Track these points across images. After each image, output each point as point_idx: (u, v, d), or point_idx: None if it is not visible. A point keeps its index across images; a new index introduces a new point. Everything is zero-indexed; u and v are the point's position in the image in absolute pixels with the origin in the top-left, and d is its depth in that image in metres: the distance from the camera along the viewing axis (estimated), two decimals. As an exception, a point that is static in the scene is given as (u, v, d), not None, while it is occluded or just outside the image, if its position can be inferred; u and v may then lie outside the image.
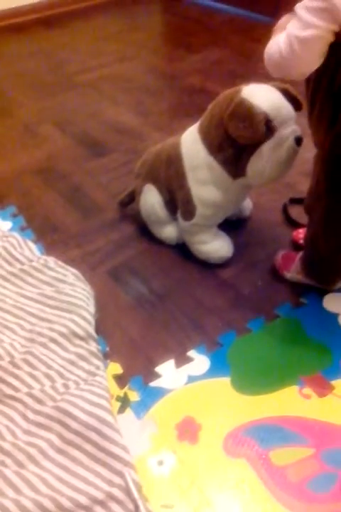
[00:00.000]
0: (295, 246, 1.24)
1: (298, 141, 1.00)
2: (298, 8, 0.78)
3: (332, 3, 0.74)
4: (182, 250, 1.24)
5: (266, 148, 0.98)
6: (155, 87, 2.05)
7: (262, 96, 0.98)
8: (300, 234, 1.24)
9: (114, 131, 1.78)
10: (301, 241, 1.20)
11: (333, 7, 0.74)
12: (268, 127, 0.97)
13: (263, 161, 0.99)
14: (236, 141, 0.99)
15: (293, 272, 1.15)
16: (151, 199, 1.22)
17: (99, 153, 1.66)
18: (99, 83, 2.09)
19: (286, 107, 1.00)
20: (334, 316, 1.06)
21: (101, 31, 2.63)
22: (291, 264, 1.15)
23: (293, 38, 0.77)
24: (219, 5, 2.77)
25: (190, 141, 1.11)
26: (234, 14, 2.69)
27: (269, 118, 0.97)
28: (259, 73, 2.31)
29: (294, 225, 1.30)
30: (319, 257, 1.06)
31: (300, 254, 1.14)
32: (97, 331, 1.05)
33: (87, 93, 2.04)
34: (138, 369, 0.99)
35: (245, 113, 0.96)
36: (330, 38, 0.78)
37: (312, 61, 0.80)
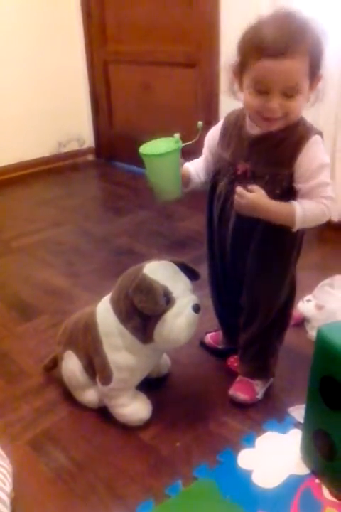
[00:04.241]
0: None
1: (196, 308, 1.10)
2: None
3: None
4: (104, 414, 1.25)
5: (168, 316, 1.08)
6: (86, 250, 2.18)
7: (161, 272, 1.10)
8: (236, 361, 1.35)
9: (45, 293, 1.85)
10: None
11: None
12: (168, 299, 1.08)
13: (167, 328, 1.08)
14: (142, 312, 1.08)
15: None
16: (71, 365, 1.26)
17: (29, 317, 1.71)
18: (33, 248, 2.20)
19: (183, 279, 1.13)
20: (248, 473, 1.08)
21: (39, 197, 2.81)
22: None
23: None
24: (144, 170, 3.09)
25: (104, 310, 1.19)
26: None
27: (168, 290, 1.08)
28: (178, 232, 2.49)
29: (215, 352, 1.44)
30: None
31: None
32: (14, 510, 1.01)
33: (21, 258, 2.13)
34: None
35: (147, 288, 1.07)
36: None
37: None
